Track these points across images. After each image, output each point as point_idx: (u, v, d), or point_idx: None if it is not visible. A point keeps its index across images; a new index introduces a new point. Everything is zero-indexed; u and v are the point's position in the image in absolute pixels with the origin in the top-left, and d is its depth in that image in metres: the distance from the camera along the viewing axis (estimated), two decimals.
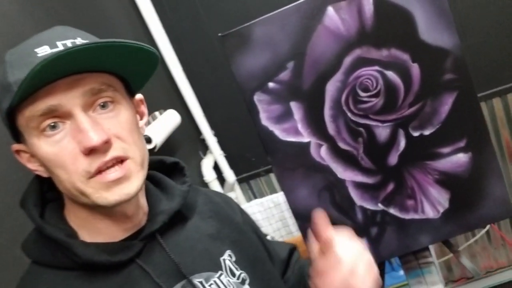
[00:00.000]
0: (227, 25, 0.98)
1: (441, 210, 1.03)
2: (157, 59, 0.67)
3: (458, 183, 1.02)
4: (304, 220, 1.05)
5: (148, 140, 1.51)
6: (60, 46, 0.62)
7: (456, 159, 1.01)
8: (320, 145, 1.02)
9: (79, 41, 0.64)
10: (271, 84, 1.00)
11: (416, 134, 1.00)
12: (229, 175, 2.14)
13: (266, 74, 1.00)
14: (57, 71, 0.58)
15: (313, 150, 1.02)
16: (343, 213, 1.04)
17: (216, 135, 2.15)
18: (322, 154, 1.02)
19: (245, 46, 0.98)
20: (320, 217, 0.74)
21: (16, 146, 0.68)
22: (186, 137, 2.06)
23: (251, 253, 0.84)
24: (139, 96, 0.75)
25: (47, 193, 0.72)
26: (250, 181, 2.25)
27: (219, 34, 0.99)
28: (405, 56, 0.97)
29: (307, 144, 1.02)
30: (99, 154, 0.62)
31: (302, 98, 1.00)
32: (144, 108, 0.77)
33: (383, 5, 0.96)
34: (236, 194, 2.19)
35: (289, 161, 1.03)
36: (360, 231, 1.04)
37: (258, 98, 1.01)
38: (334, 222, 1.04)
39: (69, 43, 0.63)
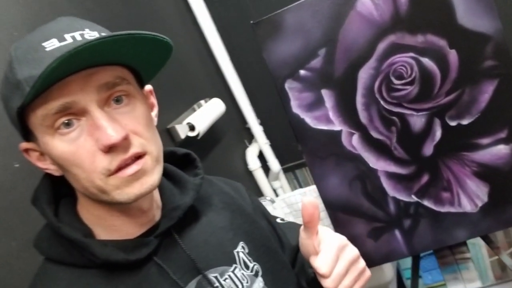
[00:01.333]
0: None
1: (480, 204, 0.99)
2: (171, 49, 0.65)
3: (498, 176, 0.97)
4: (334, 209, 1.04)
5: (192, 127, 1.55)
6: (68, 39, 0.59)
7: (496, 151, 0.96)
8: (352, 134, 1.00)
9: (87, 32, 0.62)
10: (302, 72, 0.99)
11: (453, 123, 0.96)
12: (274, 164, 2.15)
13: (298, 62, 0.99)
14: (71, 67, 0.56)
15: (344, 139, 1.01)
16: (375, 204, 1.02)
17: (261, 124, 2.16)
18: (353, 142, 1.00)
19: (277, 33, 0.98)
20: (312, 204, 0.67)
21: (24, 145, 0.65)
22: (232, 126, 2.08)
23: (263, 243, 0.83)
24: (148, 87, 0.73)
25: (59, 189, 0.70)
26: (296, 170, 2.24)
27: (251, 22, 0.99)
28: (442, 42, 0.93)
29: (339, 133, 1.01)
30: (119, 151, 0.60)
31: (333, 86, 0.99)
32: (153, 99, 0.74)
33: None
34: (281, 183, 2.19)
35: (320, 149, 1.02)
36: (393, 222, 1.02)
37: (290, 86, 1.00)
38: (366, 213, 1.03)
39: (77, 35, 0.60)
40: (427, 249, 1.03)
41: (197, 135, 1.56)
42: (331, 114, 1.00)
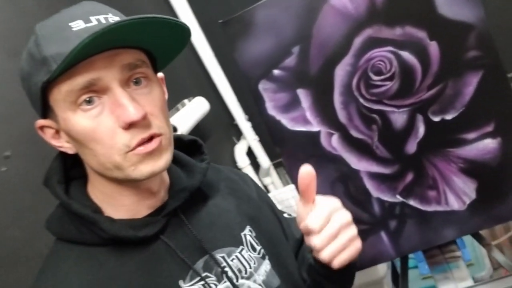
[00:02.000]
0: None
1: (468, 201, 0.94)
2: (189, 36, 0.68)
3: (486, 171, 0.92)
4: None
5: (174, 129, 1.50)
6: (93, 21, 0.62)
7: (483, 145, 0.91)
8: (331, 134, 0.95)
9: (110, 16, 0.64)
10: (276, 71, 0.94)
11: (437, 119, 0.91)
12: (264, 160, 2.10)
13: (271, 61, 0.94)
14: (97, 46, 0.59)
15: (323, 140, 0.96)
16: (359, 206, 0.98)
17: (249, 119, 2.11)
18: (333, 143, 0.96)
19: (247, 32, 0.93)
20: (309, 174, 0.68)
21: (42, 122, 0.67)
22: (219, 123, 2.04)
23: (269, 230, 0.85)
24: (160, 74, 0.75)
25: (70, 171, 0.73)
26: None
27: (220, 21, 0.94)
28: (421, 34, 0.88)
29: (317, 133, 0.96)
30: (138, 130, 0.62)
31: (309, 85, 0.94)
32: (164, 87, 0.76)
33: None
34: (272, 179, 2.15)
35: (298, 152, 0.98)
36: (378, 224, 0.98)
37: (264, 87, 0.96)
38: None
39: (102, 18, 0.63)
40: (415, 250, 0.99)
41: None
42: (309, 115, 0.95)
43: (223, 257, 0.74)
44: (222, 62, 2.06)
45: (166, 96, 0.75)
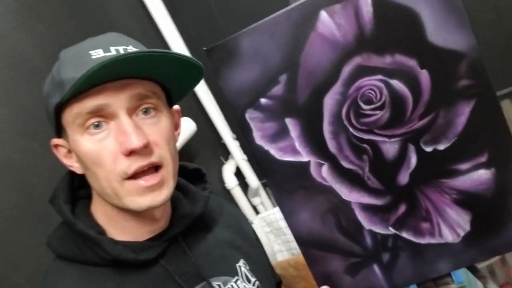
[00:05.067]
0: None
1: (462, 233, 0.91)
2: (202, 74, 0.75)
3: (480, 203, 0.90)
4: (307, 245, 0.95)
5: None
6: (113, 51, 0.66)
7: (477, 176, 0.89)
8: (321, 164, 0.92)
9: (130, 48, 0.68)
10: (263, 100, 0.91)
11: (429, 149, 0.89)
12: (253, 180, 2.07)
13: (257, 90, 0.91)
14: (109, 74, 0.62)
15: (313, 170, 0.93)
16: (351, 238, 0.94)
17: (237, 138, 2.08)
18: (323, 174, 0.93)
19: (232, 60, 0.90)
20: None
21: (56, 141, 0.72)
22: (206, 143, 2.00)
23: (262, 267, 0.88)
24: (176, 107, 0.81)
25: (77, 191, 0.76)
26: None
27: (204, 48, 0.91)
28: (411, 62, 0.86)
29: (307, 164, 0.93)
30: (138, 158, 0.65)
31: (298, 114, 0.91)
32: (178, 119, 0.82)
33: (384, 5, 0.84)
34: (262, 199, 2.11)
35: (287, 183, 0.94)
36: (371, 257, 0.94)
37: (250, 116, 0.92)
38: (341, 248, 0.95)
39: (121, 49, 0.67)
40: (409, 284, 0.95)
41: None
42: (298, 144, 0.92)
43: (219, 285, 0.76)
44: (209, 81, 2.03)
45: (180, 129, 0.80)
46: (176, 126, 0.81)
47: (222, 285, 0.77)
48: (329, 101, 0.89)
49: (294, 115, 0.91)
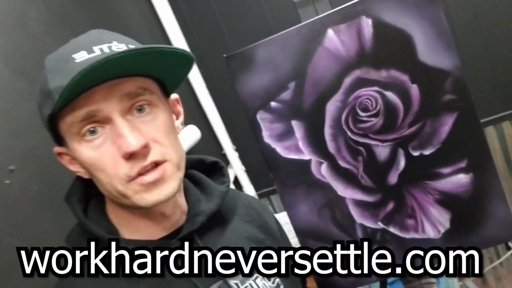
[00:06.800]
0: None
1: (442, 230, 1.03)
2: (192, 61, 0.69)
3: (459, 203, 1.02)
4: (304, 236, 1.07)
5: None
6: (96, 51, 0.62)
7: (457, 180, 1.01)
8: (321, 163, 1.04)
9: (115, 45, 0.64)
10: (273, 103, 1.03)
11: (416, 153, 1.01)
12: (249, 190, 2.18)
13: (269, 94, 1.03)
14: (95, 78, 0.59)
15: (314, 168, 1.05)
16: (344, 231, 1.06)
17: (237, 150, 2.20)
18: (322, 171, 1.04)
19: (248, 67, 1.02)
20: None
21: (58, 149, 0.70)
22: (207, 152, 2.11)
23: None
24: (174, 95, 0.77)
25: (90, 189, 0.74)
26: (271, 196, 2.28)
27: (224, 55, 1.03)
28: (404, 77, 0.99)
29: (308, 162, 1.04)
30: (139, 159, 0.63)
31: (303, 117, 1.03)
32: (180, 108, 0.78)
33: (383, 27, 0.98)
34: None
35: (290, 178, 1.06)
36: (360, 248, 1.05)
37: (261, 117, 1.04)
38: (335, 239, 1.06)
39: (105, 47, 0.63)
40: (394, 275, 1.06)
41: None
42: (301, 144, 1.04)
43: (236, 284, 0.74)
44: (213, 92, 2.15)
45: (181, 117, 0.78)
46: (177, 115, 0.78)
47: (240, 284, 0.75)
48: (331, 107, 1.02)
49: (300, 118, 1.03)
